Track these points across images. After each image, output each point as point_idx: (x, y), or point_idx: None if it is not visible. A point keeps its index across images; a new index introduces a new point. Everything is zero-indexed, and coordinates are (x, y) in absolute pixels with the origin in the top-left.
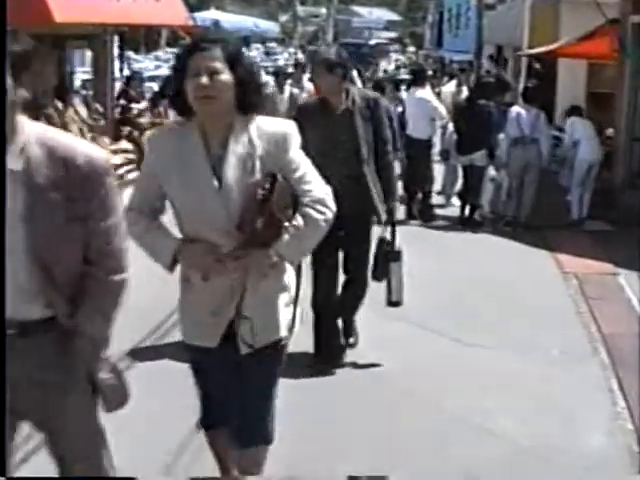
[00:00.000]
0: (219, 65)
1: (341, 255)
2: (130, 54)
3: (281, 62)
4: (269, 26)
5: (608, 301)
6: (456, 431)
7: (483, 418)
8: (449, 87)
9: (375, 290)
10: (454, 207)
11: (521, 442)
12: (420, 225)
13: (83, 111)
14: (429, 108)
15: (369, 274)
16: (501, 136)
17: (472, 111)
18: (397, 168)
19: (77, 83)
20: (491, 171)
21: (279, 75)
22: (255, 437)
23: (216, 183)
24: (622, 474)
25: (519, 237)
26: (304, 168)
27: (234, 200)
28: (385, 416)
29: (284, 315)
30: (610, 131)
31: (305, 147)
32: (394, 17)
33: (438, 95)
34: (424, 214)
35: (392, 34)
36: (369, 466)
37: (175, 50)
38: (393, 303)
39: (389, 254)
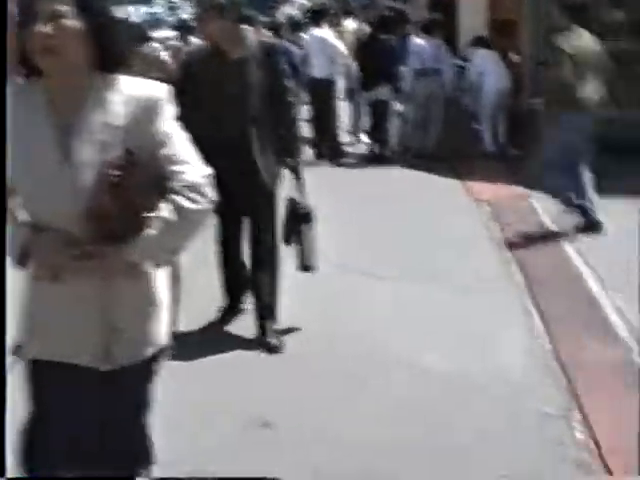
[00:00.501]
0: (63, 8)
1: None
2: None
3: (186, 16)
4: None
5: (521, 224)
6: (374, 366)
7: (400, 350)
8: (351, 25)
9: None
10: (363, 144)
11: (442, 371)
12: (330, 165)
13: None
14: (329, 47)
15: (278, 240)
16: (404, 69)
17: (374, 47)
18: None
19: None
20: (397, 105)
21: (182, 29)
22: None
23: (61, 157)
24: (542, 393)
25: (429, 168)
26: (176, 144)
27: (84, 180)
28: (303, 358)
29: (157, 324)
30: (516, 57)
31: (195, 103)
32: None
33: (340, 34)
34: (333, 154)
35: None
36: (291, 410)
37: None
38: (305, 267)
39: (298, 216)
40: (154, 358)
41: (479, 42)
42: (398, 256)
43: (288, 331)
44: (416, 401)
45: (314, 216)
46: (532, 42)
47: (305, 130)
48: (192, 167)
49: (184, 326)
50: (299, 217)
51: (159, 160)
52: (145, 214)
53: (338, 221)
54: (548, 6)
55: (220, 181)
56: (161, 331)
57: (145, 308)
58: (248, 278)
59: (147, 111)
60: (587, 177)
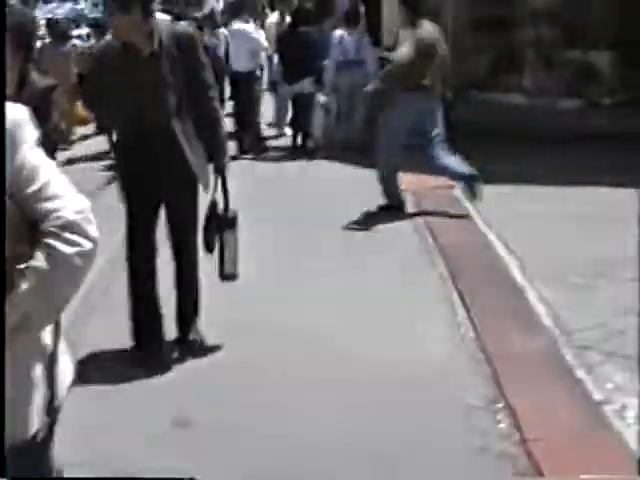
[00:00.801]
0: None
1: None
2: None
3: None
4: None
5: (443, 212)
6: (295, 352)
7: (322, 337)
8: (272, 18)
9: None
10: (287, 137)
11: (362, 359)
12: (252, 159)
13: None
14: (250, 40)
15: (198, 247)
16: (327, 61)
17: (295, 39)
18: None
19: None
20: (320, 97)
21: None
22: None
23: None
24: (466, 382)
25: (353, 160)
26: (43, 176)
27: None
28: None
29: (39, 398)
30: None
31: (112, 99)
32: None
33: (262, 27)
34: (255, 147)
35: None
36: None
37: None
38: (227, 276)
39: (221, 221)
40: (35, 441)
41: None
42: (322, 247)
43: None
44: (337, 389)
45: (237, 221)
46: (454, 31)
47: (228, 124)
48: (67, 202)
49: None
50: (222, 222)
51: (26, 199)
52: (15, 266)
53: (258, 213)
54: None
55: (141, 179)
56: (44, 404)
57: (27, 379)
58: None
59: (6, 143)
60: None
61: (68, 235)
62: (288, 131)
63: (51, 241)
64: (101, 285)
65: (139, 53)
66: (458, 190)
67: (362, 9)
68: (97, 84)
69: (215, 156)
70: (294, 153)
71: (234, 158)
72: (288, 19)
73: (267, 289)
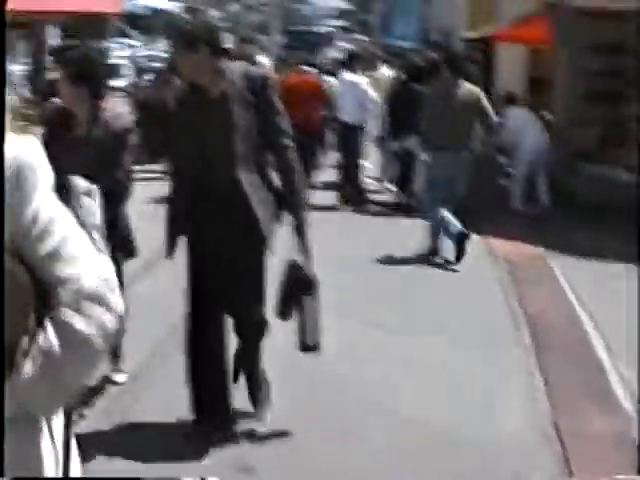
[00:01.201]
0: None
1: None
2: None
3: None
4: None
5: (537, 284)
6: (371, 417)
7: (398, 403)
8: (386, 72)
9: None
10: (390, 192)
11: (436, 426)
12: (353, 211)
13: (13, 99)
14: (360, 92)
15: (266, 313)
16: None
17: (405, 96)
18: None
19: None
20: (423, 155)
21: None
22: None
23: None
24: (536, 456)
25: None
26: (59, 232)
27: None
28: (301, 399)
29: None
30: (550, 116)
31: (172, 148)
32: (346, 5)
33: (376, 81)
34: (356, 199)
35: (343, 22)
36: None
37: (124, 40)
38: (308, 347)
39: (300, 284)
40: None
41: (511, 100)
42: (406, 307)
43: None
44: (407, 453)
45: (318, 285)
46: (565, 101)
47: (332, 175)
48: (87, 266)
49: None
50: (301, 285)
51: (38, 261)
52: (18, 343)
53: (352, 265)
54: (582, 65)
55: (201, 238)
56: None
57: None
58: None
59: (10, 185)
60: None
61: (87, 308)
62: (391, 186)
63: (66, 315)
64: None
65: (206, 94)
66: (552, 260)
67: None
68: (159, 127)
69: (292, 211)
70: (395, 209)
71: (334, 208)
72: (401, 74)
73: (343, 341)
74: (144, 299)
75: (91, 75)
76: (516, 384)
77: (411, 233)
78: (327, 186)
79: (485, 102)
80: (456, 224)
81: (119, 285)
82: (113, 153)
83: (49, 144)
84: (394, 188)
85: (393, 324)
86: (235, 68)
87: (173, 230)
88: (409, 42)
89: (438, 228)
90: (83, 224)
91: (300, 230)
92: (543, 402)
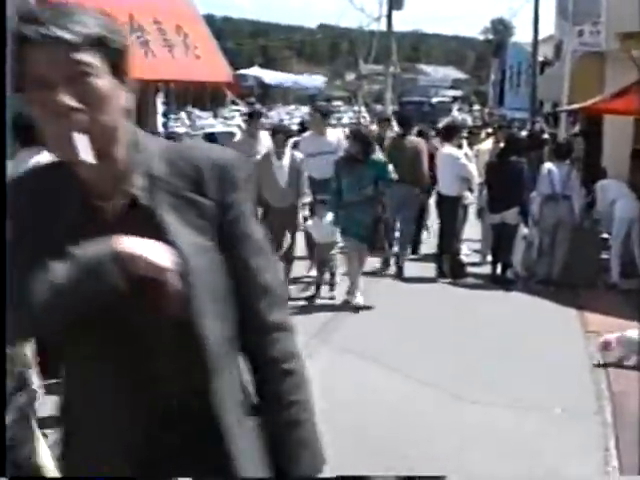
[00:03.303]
0: None
1: None
2: (194, 111)
3: (345, 120)
4: (314, 82)
5: (626, 360)
6: None
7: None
8: (487, 144)
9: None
10: (488, 265)
11: None
12: (450, 283)
13: None
14: (458, 165)
15: None
16: (533, 193)
17: (503, 168)
18: None
19: None
20: (523, 229)
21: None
22: None
23: None
24: None
25: (550, 296)
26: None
27: None
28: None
29: None
30: None
31: None
32: (460, 75)
33: (476, 153)
34: (454, 271)
35: (458, 92)
36: None
37: (238, 107)
38: None
39: None
40: None
41: (601, 175)
42: (493, 380)
43: None
44: None
45: None
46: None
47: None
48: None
49: None
50: None
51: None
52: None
53: (439, 338)
54: None
55: None
56: None
57: None
58: None
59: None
60: None
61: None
62: (490, 259)
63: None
64: None
65: None
66: None
67: (578, 144)
68: None
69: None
70: (492, 282)
71: (433, 280)
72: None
73: (429, 411)
74: None
75: None
76: (591, 460)
77: (504, 307)
78: (426, 258)
79: None
80: None
81: None
82: None
83: None
84: (492, 261)
85: (479, 397)
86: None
87: None
88: (522, 112)
89: None
90: None
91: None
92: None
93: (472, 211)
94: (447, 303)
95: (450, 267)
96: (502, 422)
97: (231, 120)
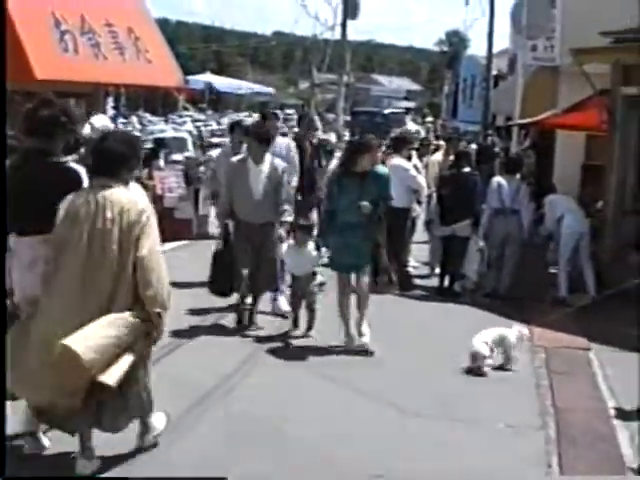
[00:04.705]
0: None
1: None
2: (146, 115)
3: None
4: (266, 90)
5: (572, 376)
6: None
7: None
8: (437, 156)
9: None
10: (436, 278)
11: None
12: (398, 294)
13: None
14: (406, 177)
15: None
16: (484, 206)
17: (457, 180)
18: None
19: None
20: (479, 242)
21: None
22: None
23: None
24: None
25: (497, 309)
26: None
27: None
28: None
29: None
30: (600, 204)
31: None
32: (414, 86)
33: (426, 165)
34: (402, 284)
35: (411, 104)
36: None
37: (189, 113)
38: None
39: None
40: None
41: (550, 190)
42: (437, 393)
43: None
44: None
45: None
46: (616, 189)
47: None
48: None
49: None
50: None
51: None
52: None
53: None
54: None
55: None
56: None
57: None
58: None
59: None
60: None
61: None
62: (437, 271)
63: None
64: None
65: None
66: (593, 353)
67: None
68: None
69: None
70: (440, 294)
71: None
72: (451, 158)
73: (361, 425)
74: None
75: None
76: (533, 475)
77: (449, 319)
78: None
79: None
80: None
81: None
82: None
83: None
84: (439, 273)
85: (419, 408)
86: None
87: None
88: (475, 125)
89: None
90: None
91: None
92: None
93: (420, 223)
94: (394, 314)
95: (398, 279)
96: (444, 435)
97: (182, 125)
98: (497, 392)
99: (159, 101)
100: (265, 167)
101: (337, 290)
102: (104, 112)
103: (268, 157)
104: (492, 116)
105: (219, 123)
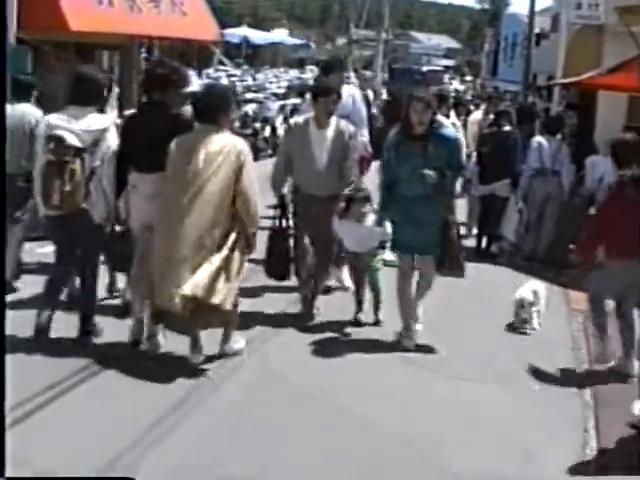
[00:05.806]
0: None
1: None
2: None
3: None
4: (305, 42)
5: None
6: (415, 466)
7: (441, 452)
8: (476, 115)
9: None
10: (474, 238)
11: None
12: None
13: None
14: None
15: None
16: (524, 166)
17: (497, 138)
18: None
19: None
20: (518, 202)
21: None
22: None
23: None
24: None
25: (535, 272)
26: None
27: None
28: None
29: None
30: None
31: None
32: (453, 44)
33: (465, 123)
34: None
35: (450, 62)
36: None
37: (225, 68)
38: None
39: None
40: None
41: (591, 150)
42: (474, 354)
43: None
44: None
45: None
46: None
47: None
48: None
49: None
50: None
51: None
52: None
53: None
54: None
55: None
56: None
57: None
58: None
59: None
60: None
61: None
62: (475, 232)
63: None
64: None
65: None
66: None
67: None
68: None
69: None
70: (477, 255)
71: None
72: (492, 117)
73: (402, 385)
74: None
75: None
76: (568, 440)
77: (486, 281)
78: None
79: None
80: None
81: None
82: None
83: None
84: (476, 233)
85: (455, 371)
86: None
87: None
88: (515, 85)
89: None
90: None
91: None
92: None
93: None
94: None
95: None
96: (479, 396)
97: (217, 80)
98: (534, 354)
99: (194, 55)
100: (330, 132)
101: (397, 274)
102: (138, 65)
103: (334, 119)
104: (533, 76)
105: (255, 79)
